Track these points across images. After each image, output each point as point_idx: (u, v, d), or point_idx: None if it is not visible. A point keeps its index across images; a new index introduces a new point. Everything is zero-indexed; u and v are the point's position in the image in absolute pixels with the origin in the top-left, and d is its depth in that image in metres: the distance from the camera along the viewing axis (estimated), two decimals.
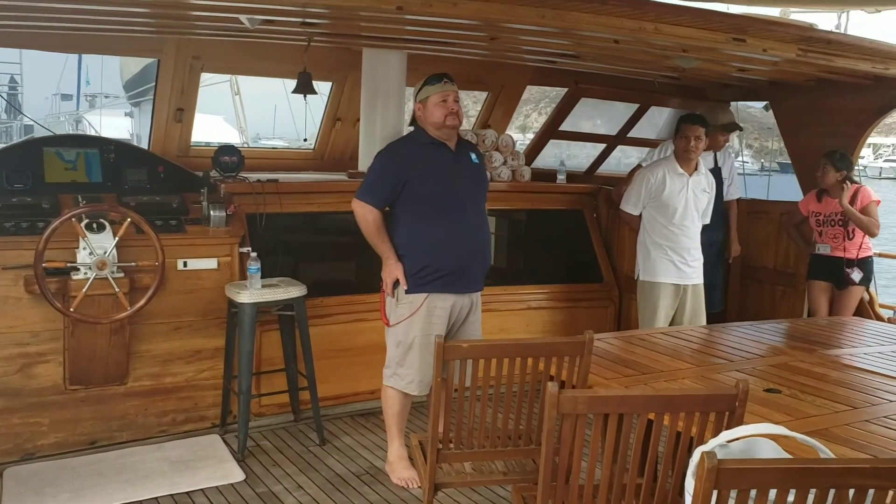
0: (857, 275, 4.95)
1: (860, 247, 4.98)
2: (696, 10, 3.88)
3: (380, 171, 3.64)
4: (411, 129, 3.80)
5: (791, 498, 1.55)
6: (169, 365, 4.15)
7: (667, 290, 4.78)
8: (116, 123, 18.88)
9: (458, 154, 3.70)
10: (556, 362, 2.49)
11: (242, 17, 3.76)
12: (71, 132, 18.08)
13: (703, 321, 4.92)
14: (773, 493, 1.55)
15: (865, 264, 5.01)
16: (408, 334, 3.61)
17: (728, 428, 2.01)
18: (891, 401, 2.54)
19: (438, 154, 3.61)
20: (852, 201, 4.93)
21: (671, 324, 4.84)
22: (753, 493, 1.55)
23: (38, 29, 4.41)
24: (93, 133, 14.96)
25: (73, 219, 3.67)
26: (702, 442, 2.03)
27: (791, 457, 1.75)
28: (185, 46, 5.01)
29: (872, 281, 5.16)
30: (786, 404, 2.38)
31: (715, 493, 1.54)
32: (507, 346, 2.50)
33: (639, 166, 5.57)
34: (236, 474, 3.76)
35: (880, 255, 5.58)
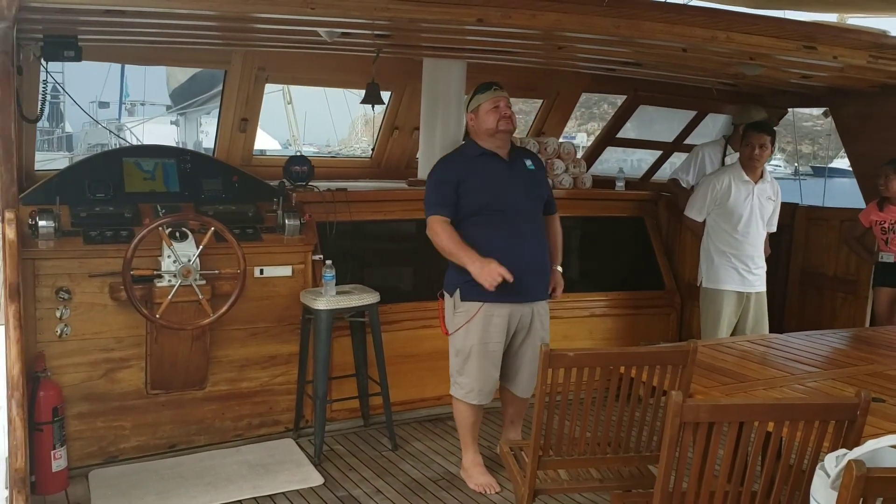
0: None
1: None
2: (771, 18, 3.89)
3: (436, 182, 3.64)
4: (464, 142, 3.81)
5: None
6: (245, 370, 4.23)
7: (730, 298, 4.79)
8: (161, 131, 19.09)
9: (512, 163, 3.67)
10: (660, 371, 2.52)
11: (321, 31, 3.84)
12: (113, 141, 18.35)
13: (766, 329, 4.91)
14: None
15: None
16: (465, 343, 3.61)
17: (847, 437, 2.03)
18: None
19: (490, 164, 3.59)
20: None
21: (734, 332, 4.84)
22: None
23: (118, 43, 4.53)
24: (135, 141, 15.21)
25: (160, 227, 3.77)
26: (819, 451, 2.05)
27: None
28: (251, 58, 5.11)
29: None
30: (894, 414, 2.38)
31: (861, 501, 1.56)
32: (612, 356, 2.54)
33: (675, 178, 5.50)
34: (315, 478, 3.83)
35: None
